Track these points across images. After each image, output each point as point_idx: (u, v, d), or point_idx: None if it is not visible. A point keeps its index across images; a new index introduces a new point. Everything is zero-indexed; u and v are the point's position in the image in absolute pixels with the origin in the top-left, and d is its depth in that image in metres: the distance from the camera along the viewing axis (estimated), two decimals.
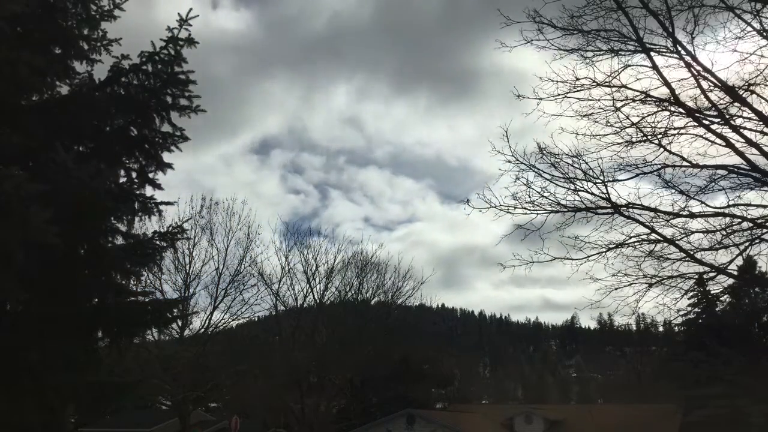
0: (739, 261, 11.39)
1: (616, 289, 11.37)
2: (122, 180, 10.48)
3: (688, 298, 33.44)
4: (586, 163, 11.34)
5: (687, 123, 11.01)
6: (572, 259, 11.49)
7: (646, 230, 11.32)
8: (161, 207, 10.58)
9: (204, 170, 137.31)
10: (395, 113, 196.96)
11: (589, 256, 11.42)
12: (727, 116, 10.66)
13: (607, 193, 11.31)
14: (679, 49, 10.65)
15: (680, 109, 10.96)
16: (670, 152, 11.13)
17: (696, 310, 37.87)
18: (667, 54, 10.82)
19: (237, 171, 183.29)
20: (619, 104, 11.13)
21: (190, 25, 10.43)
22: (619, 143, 11.24)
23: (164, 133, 10.48)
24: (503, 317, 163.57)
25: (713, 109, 10.66)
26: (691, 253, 11.14)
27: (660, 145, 11.12)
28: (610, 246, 11.37)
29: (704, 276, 11.89)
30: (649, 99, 11.09)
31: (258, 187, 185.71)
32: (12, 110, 9.27)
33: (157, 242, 10.48)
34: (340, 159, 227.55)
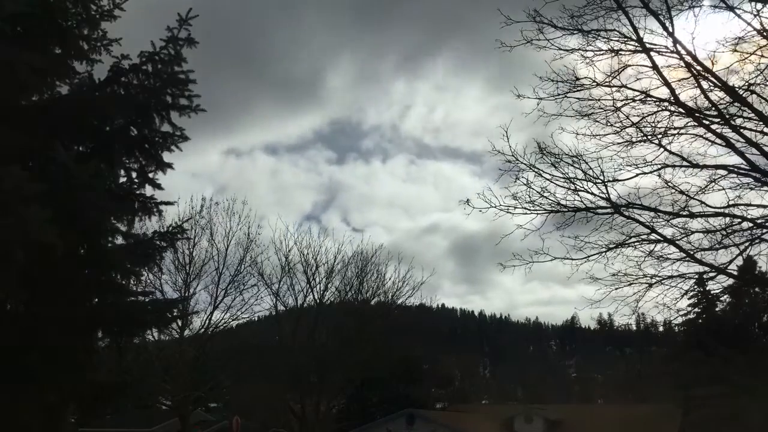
0: (739, 261, 11.41)
1: (616, 289, 11.41)
2: (122, 180, 10.48)
3: (688, 298, 33.44)
4: (586, 163, 11.37)
5: (687, 123, 11.03)
6: (572, 259, 11.52)
7: (646, 230, 11.35)
8: (161, 207, 10.58)
9: (221, 161, 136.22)
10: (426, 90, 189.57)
11: (589, 256, 11.45)
12: (727, 116, 10.66)
13: (607, 193, 11.34)
14: (679, 49, 10.66)
15: (680, 109, 10.97)
16: (670, 152, 11.15)
17: (696, 310, 37.87)
18: (667, 54, 10.84)
19: (256, 161, 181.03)
20: (619, 104, 11.15)
21: (190, 25, 10.43)
22: (619, 143, 11.28)
23: (164, 133, 10.47)
24: (503, 317, 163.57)
25: (713, 109, 10.66)
26: (691, 253, 11.15)
27: (660, 145, 11.13)
28: (610, 246, 11.39)
29: (704, 276, 11.91)
30: (649, 99, 11.10)
31: (277, 175, 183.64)
32: (12, 110, 9.27)
33: (157, 242, 10.49)
34: (367, 141, 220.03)
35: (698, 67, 10.61)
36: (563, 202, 11.49)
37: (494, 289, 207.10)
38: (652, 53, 10.84)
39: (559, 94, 11.26)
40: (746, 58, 10.45)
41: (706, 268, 11.35)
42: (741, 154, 10.64)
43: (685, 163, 11.09)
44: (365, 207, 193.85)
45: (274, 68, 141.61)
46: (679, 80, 10.83)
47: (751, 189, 10.99)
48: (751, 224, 10.95)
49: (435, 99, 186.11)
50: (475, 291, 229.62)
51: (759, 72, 10.42)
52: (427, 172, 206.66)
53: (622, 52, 11.04)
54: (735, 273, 12.06)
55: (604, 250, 11.39)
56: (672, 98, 10.89)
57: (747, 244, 11.09)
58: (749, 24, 10.28)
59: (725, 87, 10.53)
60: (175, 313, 11.60)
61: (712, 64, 10.53)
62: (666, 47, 10.79)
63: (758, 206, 10.97)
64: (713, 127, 10.81)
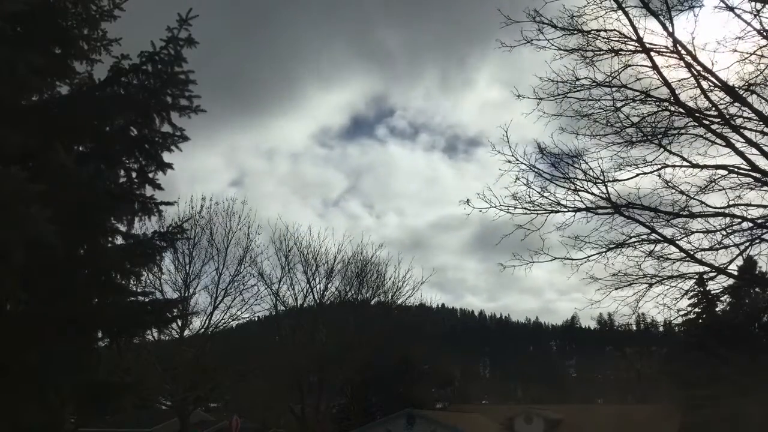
0: (739, 261, 11.43)
1: (616, 289, 11.42)
2: (122, 180, 10.47)
3: (689, 298, 33.40)
4: (586, 163, 11.38)
5: (687, 123, 11.04)
6: (572, 259, 11.53)
7: (646, 230, 11.37)
8: (161, 207, 10.58)
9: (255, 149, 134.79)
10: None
11: (589, 256, 11.48)
12: (727, 116, 10.67)
13: (607, 193, 11.35)
14: (679, 49, 10.66)
15: (680, 109, 10.97)
16: (670, 152, 11.16)
17: (696, 310, 37.84)
18: (667, 54, 10.84)
19: (279, 149, 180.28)
20: (619, 104, 11.17)
21: (190, 25, 10.42)
22: (619, 143, 11.29)
23: (164, 133, 10.46)
24: (503, 317, 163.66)
25: (713, 109, 10.67)
26: (691, 253, 11.17)
27: (660, 145, 11.14)
28: (610, 246, 11.41)
29: (704, 276, 11.92)
30: (649, 99, 11.11)
31: (299, 164, 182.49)
32: (12, 110, 9.26)
33: (157, 242, 10.47)
34: (396, 126, 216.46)
35: (698, 67, 10.62)
36: (563, 202, 11.51)
37: (524, 285, 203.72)
38: (652, 53, 10.85)
39: (559, 95, 11.28)
40: (746, 58, 10.46)
41: (706, 268, 11.37)
42: (741, 154, 10.65)
43: (685, 163, 11.11)
44: (391, 195, 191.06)
45: (294, 54, 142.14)
46: (679, 80, 10.86)
47: (751, 189, 11.02)
48: (751, 224, 10.97)
49: (468, 85, 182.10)
50: (501, 289, 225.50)
51: (759, 72, 10.43)
52: (462, 160, 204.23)
53: (622, 52, 11.06)
54: (735, 273, 12.07)
55: (604, 250, 11.42)
56: (672, 98, 10.90)
57: (747, 244, 11.12)
58: (749, 24, 10.31)
59: (725, 87, 10.53)
60: (174, 313, 11.57)
61: (712, 64, 10.55)
62: (666, 47, 10.81)
63: (758, 206, 11.00)
64: (713, 127, 10.82)
